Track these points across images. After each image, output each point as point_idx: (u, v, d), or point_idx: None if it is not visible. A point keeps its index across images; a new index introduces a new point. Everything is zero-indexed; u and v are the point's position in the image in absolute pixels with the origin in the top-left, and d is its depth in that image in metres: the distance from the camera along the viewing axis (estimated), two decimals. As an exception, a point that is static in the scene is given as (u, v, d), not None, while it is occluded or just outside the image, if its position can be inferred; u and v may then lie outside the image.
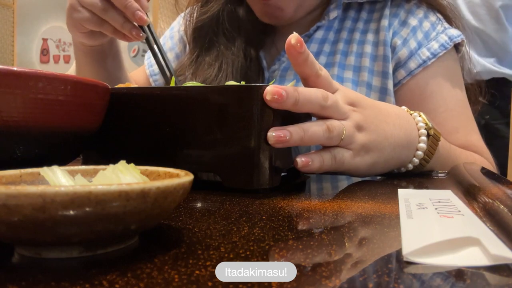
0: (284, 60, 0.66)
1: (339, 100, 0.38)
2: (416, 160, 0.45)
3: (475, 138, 0.63)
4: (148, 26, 0.57)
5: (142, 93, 0.38)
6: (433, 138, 0.45)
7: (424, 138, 0.44)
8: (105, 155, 0.41)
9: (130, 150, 0.39)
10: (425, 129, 0.44)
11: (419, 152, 0.44)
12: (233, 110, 0.35)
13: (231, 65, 0.65)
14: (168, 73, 0.58)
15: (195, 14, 0.72)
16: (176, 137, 0.37)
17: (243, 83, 0.38)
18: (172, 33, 0.80)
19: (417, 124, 0.45)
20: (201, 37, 0.70)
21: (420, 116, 0.46)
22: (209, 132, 0.36)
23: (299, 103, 0.35)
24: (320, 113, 0.37)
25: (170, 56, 0.78)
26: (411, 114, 0.46)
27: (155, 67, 0.79)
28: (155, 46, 0.59)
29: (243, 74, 0.65)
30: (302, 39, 0.36)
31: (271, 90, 0.34)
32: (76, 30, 0.59)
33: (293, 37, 0.35)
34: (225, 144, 0.35)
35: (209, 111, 0.35)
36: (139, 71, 0.82)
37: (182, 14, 0.77)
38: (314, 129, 0.36)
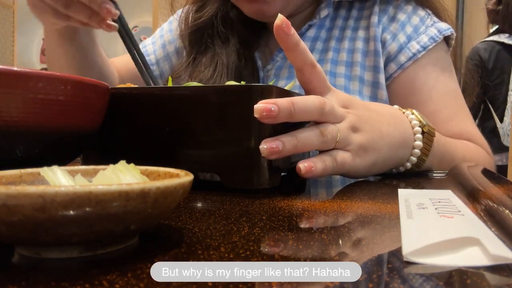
0: (278, 60, 0.67)
1: (334, 103, 0.38)
2: (413, 159, 0.45)
3: (469, 125, 0.63)
4: (119, 18, 0.54)
5: (142, 93, 0.38)
6: (428, 135, 0.45)
7: (419, 136, 0.44)
8: (105, 155, 0.41)
9: (130, 150, 0.39)
10: (420, 126, 0.44)
11: (416, 150, 0.44)
12: (233, 110, 0.35)
13: (226, 66, 0.66)
14: (143, 68, 0.56)
15: (190, 19, 0.72)
16: (176, 137, 0.37)
17: (243, 83, 0.38)
18: (171, 27, 0.80)
19: (411, 122, 0.45)
20: (197, 40, 0.71)
21: (413, 114, 0.45)
22: (209, 132, 0.36)
23: (295, 115, 0.34)
24: (319, 120, 0.37)
25: (170, 49, 0.78)
26: (403, 112, 0.46)
27: (152, 57, 0.79)
28: (128, 39, 0.56)
29: (238, 74, 0.66)
30: (288, 21, 0.35)
31: (258, 108, 0.32)
32: (42, 19, 0.56)
33: (278, 18, 0.35)
34: (225, 144, 0.35)
35: (209, 111, 0.35)
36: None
37: (176, 16, 0.77)
38: (307, 135, 0.35)
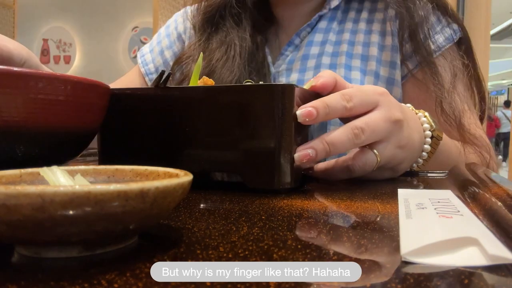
0: (288, 54, 0.67)
1: (360, 92, 0.38)
2: (420, 161, 0.45)
3: (474, 127, 0.63)
4: None
5: (162, 94, 0.38)
6: (435, 139, 0.45)
7: (428, 139, 0.45)
8: (125, 154, 0.41)
9: (150, 150, 0.39)
10: (430, 130, 0.45)
11: (424, 153, 0.45)
12: (254, 110, 0.35)
13: (238, 47, 0.66)
14: None
15: (203, 3, 0.73)
16: (199, 137, 0.37)
17: (261, 82, 0.38)
18: (169, 31, 0.80)
19: (422, 125, 0.45)
20: (209, 21, 0.71)
21: (425, 116, 0.46)
22: (230, 132, 0.35)
23: (329, 115, 0.36)
24: (347, 115, 0.38)
25: (168, 54, 0.78)
26: (416, 114, 0.46)
27: (151, 66, 0.79)
28: None
29: (249, 58, 0.66)
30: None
31: (300, 114, 0.35)
32: None
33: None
34: (246, 144, 0.35)
35: (230, 111, 0.35)
36: (133, 72, 0.81)
37: (179, 12, 0.77)
38: (339, 140, 0.36)
